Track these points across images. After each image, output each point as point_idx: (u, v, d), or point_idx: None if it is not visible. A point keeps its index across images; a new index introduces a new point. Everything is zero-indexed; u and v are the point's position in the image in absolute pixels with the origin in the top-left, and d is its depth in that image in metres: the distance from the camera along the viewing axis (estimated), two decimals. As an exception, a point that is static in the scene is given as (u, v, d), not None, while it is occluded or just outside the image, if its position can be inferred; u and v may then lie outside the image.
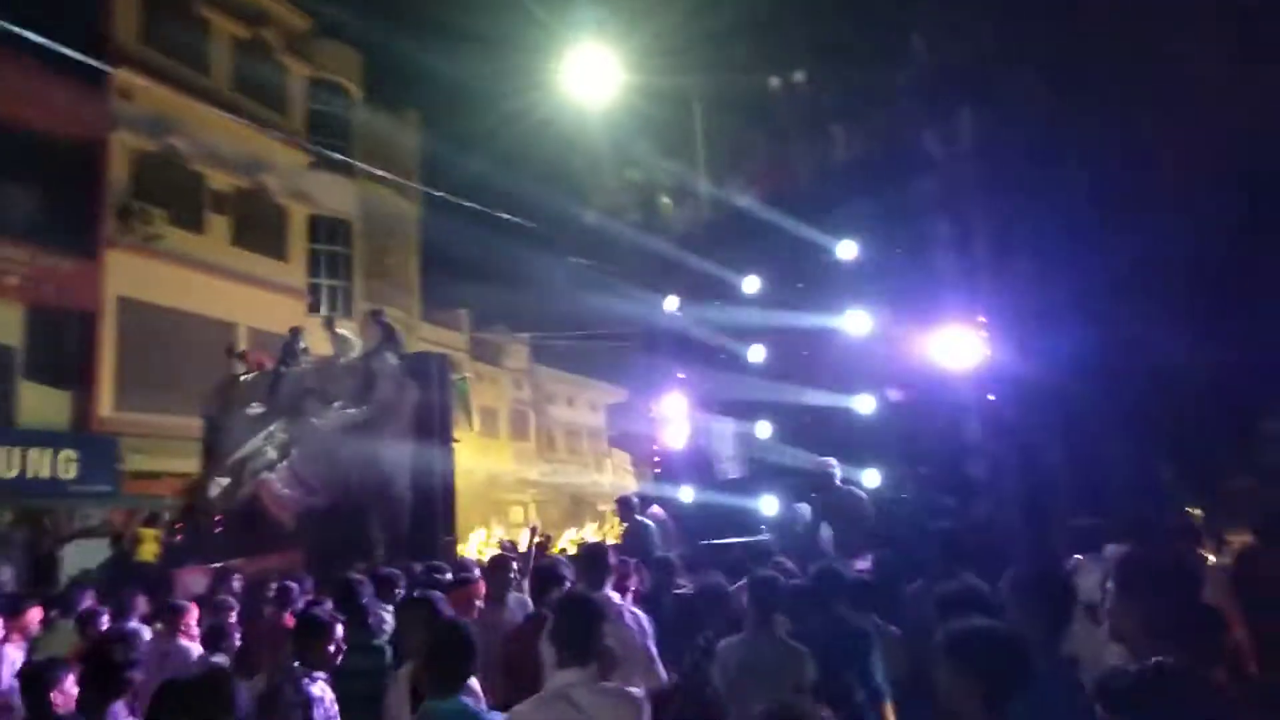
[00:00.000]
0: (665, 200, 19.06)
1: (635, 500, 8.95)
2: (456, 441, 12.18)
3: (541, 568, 5.28)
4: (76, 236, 16.89)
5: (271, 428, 11.53)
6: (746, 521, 8.98)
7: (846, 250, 9.05)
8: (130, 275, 17.48)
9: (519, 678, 3.95)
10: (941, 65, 9.31)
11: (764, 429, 9.92)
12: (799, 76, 14.52)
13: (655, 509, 9.17)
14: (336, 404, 11.37)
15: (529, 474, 35.68)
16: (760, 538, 8.22)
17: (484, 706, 3.24)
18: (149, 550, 11.33)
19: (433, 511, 10.98)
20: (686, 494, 10.45)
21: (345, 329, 13.29)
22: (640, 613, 4.55)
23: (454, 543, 11.46)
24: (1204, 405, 7.65)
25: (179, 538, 11.16)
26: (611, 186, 19.45)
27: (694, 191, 17.06)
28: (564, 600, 3.43)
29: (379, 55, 24.69)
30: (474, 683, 3.32)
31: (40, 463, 15.31)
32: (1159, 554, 3.08)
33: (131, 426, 16.75)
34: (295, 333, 13.11)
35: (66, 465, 15.66)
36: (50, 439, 15.72)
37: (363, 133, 25.01)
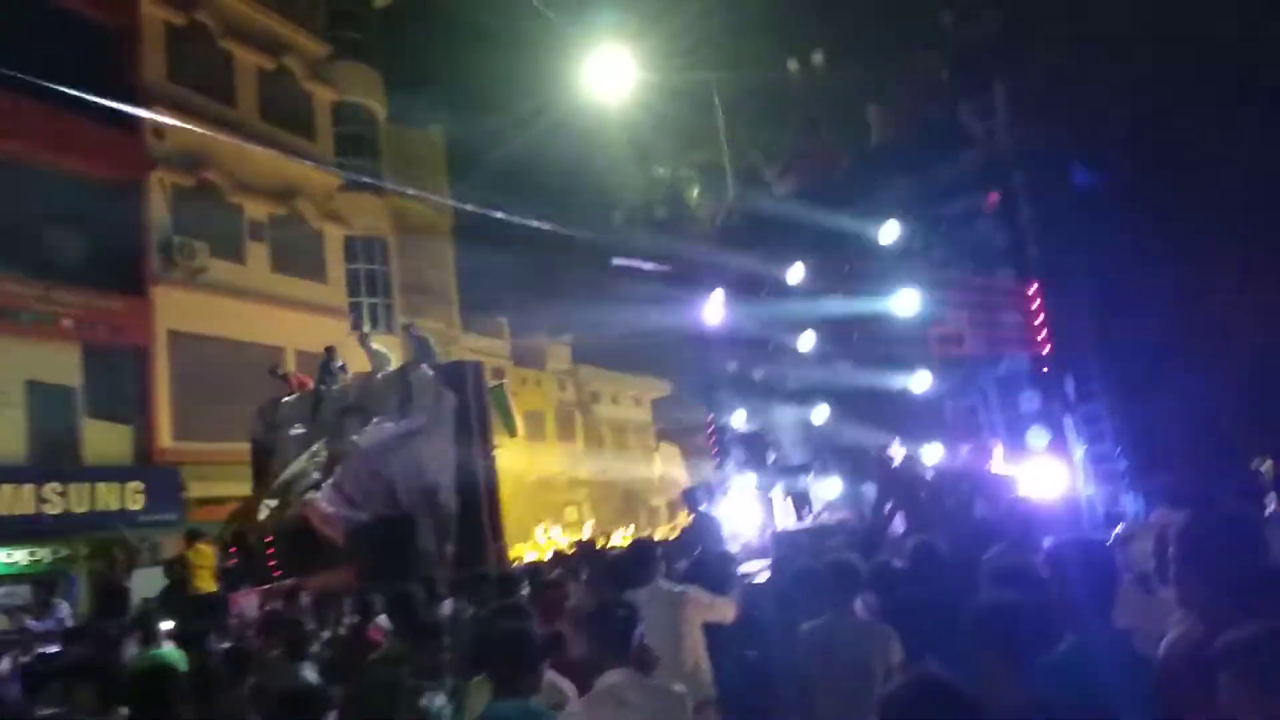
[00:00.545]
0: (694, 194, 19.07)
1: (700, 493, 9.04)
2: (497, 448, 12.39)
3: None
4: (125, 276, 17.41)
5: (314, 447, 11.70)
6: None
7: (889, 232, 8.98)
8: (178, 309, 17.96)
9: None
10: (971, 40, 9.21)
11: (821, 413, 9.90)
12: (818, 59, 14.44)
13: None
14: (376, 419, 11.49)
15: (579, 473, 35.90)
16: (832, 520, 8.33)
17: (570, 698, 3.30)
18: (204, 576, 11.37)
19: (479, 519, 11.10)
20: (748, 481, 10.49)
21: (380, 344, 13.47)
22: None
23: (503, 549, 11.59)
24: (1269, 359, 7.51)
25: (232, 562, 11.28)
26: (638, 185, 19.49)
27: (723, 185, 17.05)
28: (601, 605, 3.51)
29: (398, 73, 25.00)
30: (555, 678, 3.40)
31: (108, 497, 15.82)
32: (1218, 518, 3.06)
33: (192, 455, 17.23)
34: (330, 352, 13.24)
35: (133, 497, 16.16)
36: (116, 473, 16.23)
37: (389, 150, 25.38)
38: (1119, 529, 5.18)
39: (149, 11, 18.77)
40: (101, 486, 15.79)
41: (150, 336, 17.48)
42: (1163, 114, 7.84)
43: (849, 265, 9.72)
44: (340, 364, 13.09)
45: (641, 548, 5.04)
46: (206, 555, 11.08)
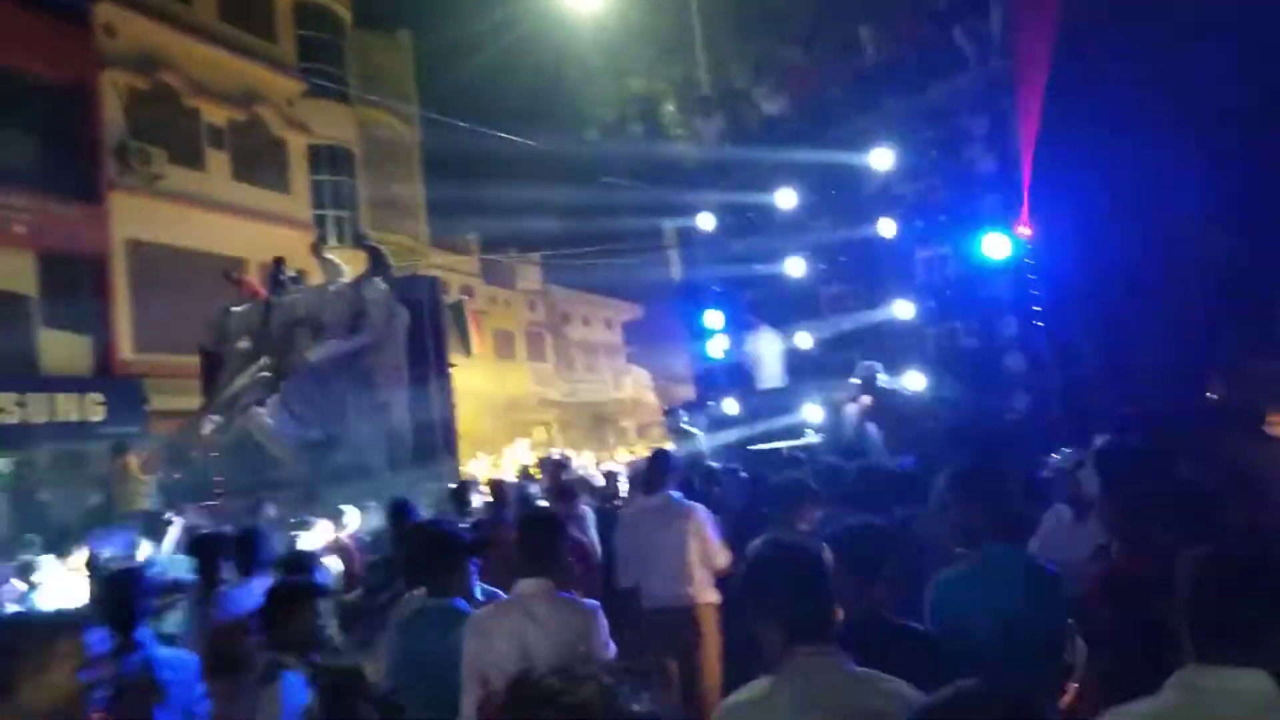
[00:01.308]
0: (670, 109, 18.67)
1: (681, 411, 9.10)
2: (453, 366, 12.03)
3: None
4: (79, 181, 16.78)
5: (262, 360, 11.31)
6: (791, 428, 9.21)
7: (881, 157, 8.88)
8: (136, 217, 17.42)
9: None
10: None
11: (804, 339, 9.90)
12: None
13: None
14: (327, 333, 11.13)
15: (549, 394, 35.99)
16: (807, 440, 8.45)
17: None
18: (134, 493, 10.76)
19: (432, 437, 10.85)
20: (730, 405, 10.53)
21: (336, 256, 12.87)
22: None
23: (455, 465, 11.34)
24: (1233, 292, 7.57)
25: (176, 477, 10.82)
26: (613, 99, 19.03)
27: (700, 100, 16.67)
28: (526, 516, 3.62)
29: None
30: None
31: (68, 408, 15.57)
32: (1129, 448, 3.14)
33: (153, 367, 16.94)
34: (279, 262, 12.76)
35: (94, 409, 15.91)
36: (75, 384, 15.95)
37: (355, 57, 24.49)
38: (1067, 454, 5.23)
39: (97, -102, 17.68)
40: (60, 397, 15.51)
41: (107, 245, 16.98)
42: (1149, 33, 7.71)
43: (837, 189, 9.61)
44: (292, 275, 12.61)
45: (663, 457, 5.40)
46: (133, 470, 10.70)
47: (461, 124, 14.03)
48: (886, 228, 8.83)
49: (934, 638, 2.52)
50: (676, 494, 5.16)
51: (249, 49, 20.67)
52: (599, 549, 5.73)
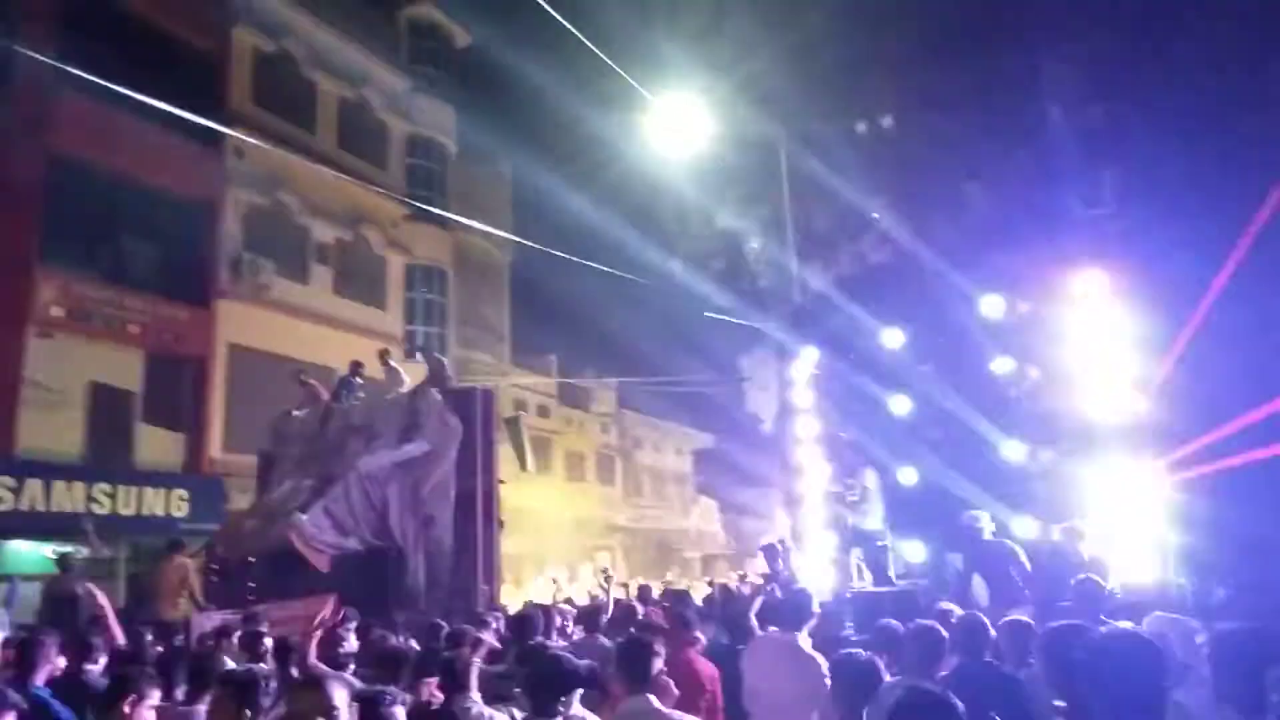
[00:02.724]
0: (755, 247, 19.11)
1: (778, 546, 8.95)
2: (503, 482, 11.70)
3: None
4: (192, 287, 17.92)
5: (312, 466, 11.05)
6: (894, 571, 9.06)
7: (992, 305, 8.96)
8: (240, 323, 18.41)
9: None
10: (1079, 129, 9.36)
11: (908, 475, 9.76)
12: (887, 122, 14.50)
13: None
14: (378, 441, 10.90)
15: (616, 519, 35.67)
16: (910, 584, 8.25)
17: None
18: (167, 594, 10.28)
19: (473, 558, 10.41)
20: (829, 540, 10.35)
21: (396, 363, 12.71)
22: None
23: (494, 592, 10.67)
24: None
25: (213, 579, 10.46)
26: (699, 235, 19.61)
27: (784, 239, 17.05)
28: (629, 639, 3.87)
29: (472, 111, 25.65)
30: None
31: (155, 502, 16.10)
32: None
33: (238, 467, 17.47)
34: (355, 367, 12.66)
35: (178, 504, 16.41)
36: (164, 479, 16.54)
37: (457, 185, 25.96)
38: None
39: (240, 38, 19.59)
40: (149, 491, 16.07)
41: (210, 348, 17.91)
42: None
43: (947, 334, 9.66)
44: (361, 381, 12.48)
45: (803, 597, 5.19)
46: (179, 570, 10.37)
47: (551, 251, 14.56)
48: (1002, 365, 8.78)
49: None
50: (806, 640, 4.91)
51: (361, 174, 22.17)
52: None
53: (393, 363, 12.45)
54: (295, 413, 12.45)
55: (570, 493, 32.48)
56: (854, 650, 3.93)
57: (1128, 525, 7.51)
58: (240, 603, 8.72)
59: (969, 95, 12.77)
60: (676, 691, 4.14)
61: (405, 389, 11.69)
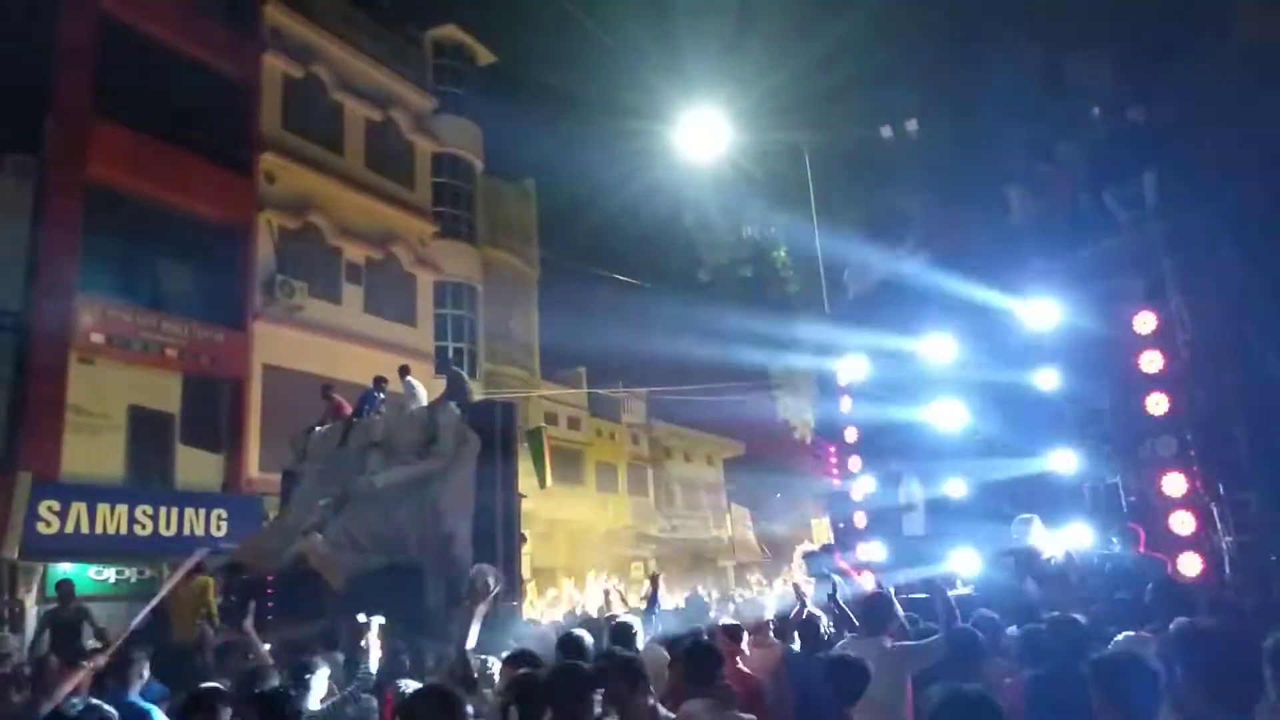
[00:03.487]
0: (782, 254, 19.09)
1: (822, 555, 8.93)
2: (524, 497, 11.42)
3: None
4: (228, 310, 18.22)
5: (332, 483, 10.86)
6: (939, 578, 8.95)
7: (1035, 310, 8.86)
8: (275, 344, 18.67)
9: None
10: (1120, 130, 9.31)
11: (956, 487, 9.67)
12: (911, 126, 14.46)
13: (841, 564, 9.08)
14: (396, 458, 10.66)
15: (648, 529, 35.63)
16: (959, 591, 8.18)
17: None
18: (185, 613, 10.10)
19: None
20: (877, 550, 10.30)
21: (415, 378, 12.43)
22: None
23: (517, 607, 10.21)
24: None
25: (233, 598, 10.16)
26: (725, 243, 19.63)
27: (813, 246, 17.02)
28: (694, 644, 4.24)
29: (497, 128, 25.88)
30: None
31: (195, 522, 16.33)
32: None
33: (275, 487, 17.67)
34: (379, 382, 12.50)
35: (218, 524, 16.63)
36: (204, 499, 16.79)
37: (484, 201, 26.18)
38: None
39: (270, 64, 19.93)
40: (190, 511, 16.32)
41: (247, 369, 18.17)
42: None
43: (990, 341, 9.57)
44: (383, 397, 12.27)
45: (884, 600, 5.43)
46: (199, 590, 10.23)
47: (578, 265, 14.64)
48: (1046, 379, 8.68)
49: None
50: (887, 640, 5.08)
51: (389, 194, 22.46)
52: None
53: (411, 379, 12.21)
54: (319, 428, 12.38)
55: (603, 504, 32.51)
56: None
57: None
58: (259, 622, 8.21)
59: (997, 96, 12.71)
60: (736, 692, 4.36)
61: (423, 403, 11.47)
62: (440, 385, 12.40)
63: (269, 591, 9.82)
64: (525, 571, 18.88)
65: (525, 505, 11.44)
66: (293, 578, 9.74)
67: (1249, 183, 7.88)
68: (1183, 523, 7.37)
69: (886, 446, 10.68)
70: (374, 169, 22.27)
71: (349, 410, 12.37)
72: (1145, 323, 7.90)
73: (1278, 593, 6.79)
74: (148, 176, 16.62)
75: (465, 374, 12.38)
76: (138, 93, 16.85)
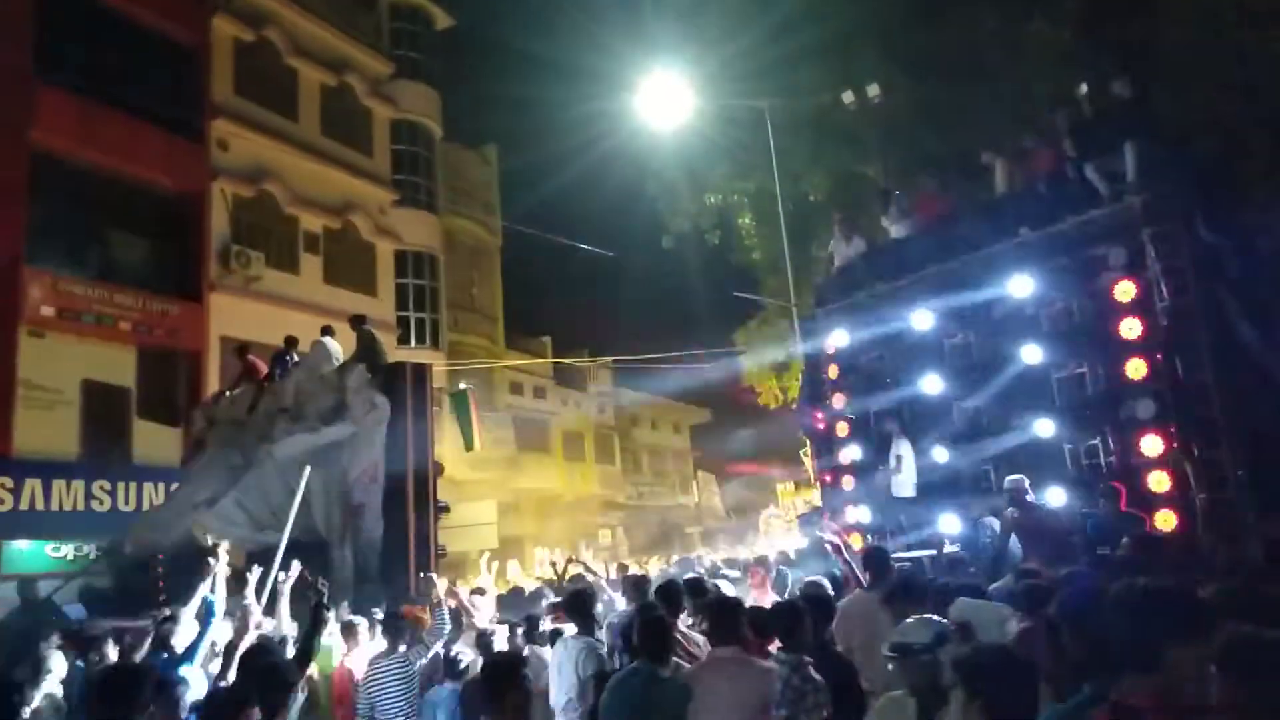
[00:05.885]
0: (747, 220, 19.08)
1: (815, 516, 9.03)
2: (441, 465, 10.87)
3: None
4: (183, 281, 17.82)
5: (234, 453, 10.07)
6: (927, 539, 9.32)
7: (1018, 284, 9.01)
8: (232, 315, 18.30)
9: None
10: (1104, 106, 9.41)
11: (941, 453, 9.85)
12: (874, 91, 14.45)
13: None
14: (304, 424, 9.82)
15: (616, 497, 35.82)
16: (946, 551, 8.45)
17: None
18: None
19: (404, 548, 9.54)
20: (862, 512, 10.49)
21: (330, 338, 11.49)
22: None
23: (432, 581, 10.32)
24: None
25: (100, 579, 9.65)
26: (689, 210, 19.55)
27: (776, 212, 17.02)
28: (720, 601, 4.73)
29: (457, 93, 25.49)
30: None
31: (155, 496, 16.05)
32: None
33: (236, 461, 17.51)
34: (290, 342, 11.87)
35: (177, 498, 16.40)
36: (163, 474, 16.50)
37: (444, 168, 25.81)
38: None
39: (220, 28, 19.33)
40: (148, 486, 16.04)
41: (203, 341, 17.82)
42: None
43: (974, 310, 9.69)
44: (295, 358, 11.55)
45: (880, 553, 5.92)
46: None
47: (541, 234, 14.50)
48: (1031, 354, 8.86)
49: None
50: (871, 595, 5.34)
51: (346, 162, 22.01)
52: None
53: (326, 339, 11.27)
54: (229, 392, 11.65)
55: (569, 473, 32.59)
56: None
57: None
58: (150, 606, 7.80)
59: (966, 62, 12.71)
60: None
61: (333, 366, 10.74)
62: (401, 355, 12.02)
63: (159, 574, 9.00)
64: (493, 541, 19.03)
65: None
66: (185, 556, 8.72)
67: (1210, 146, 8.01)
68: (1160, 481, 7.68)
69: (874, 411, 10.84)
70: (330, 136, 21.80)
71: (264, 372, 11.58)
72: (1125, 291, 8.13)
73: (1250, 547, 7.01)
74: (95, 144, 16.12)
75: (376, 333, 11.53)
76: (83, 57, 16.29)
